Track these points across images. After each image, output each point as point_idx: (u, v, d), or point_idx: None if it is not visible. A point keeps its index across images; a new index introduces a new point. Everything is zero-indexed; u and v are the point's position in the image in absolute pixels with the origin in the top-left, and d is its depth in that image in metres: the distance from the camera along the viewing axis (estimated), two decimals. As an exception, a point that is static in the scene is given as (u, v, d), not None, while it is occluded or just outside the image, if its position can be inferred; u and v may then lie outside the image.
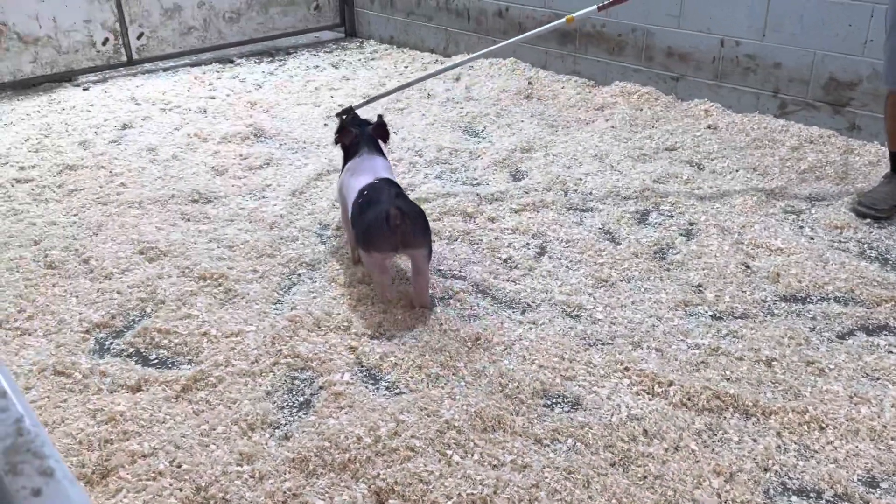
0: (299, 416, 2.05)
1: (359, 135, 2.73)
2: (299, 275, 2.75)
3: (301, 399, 2.12)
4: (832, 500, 1.73)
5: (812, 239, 2.90)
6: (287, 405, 2.10)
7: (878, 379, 2.12)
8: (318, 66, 5.56)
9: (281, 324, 2.41)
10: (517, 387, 2.11)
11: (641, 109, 4.31)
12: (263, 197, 3.40)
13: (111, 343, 2.39)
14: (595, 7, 2.82)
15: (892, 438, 1.89)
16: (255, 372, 2.20)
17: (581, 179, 3.50)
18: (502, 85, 4.82)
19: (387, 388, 2.14)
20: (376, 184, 2.46)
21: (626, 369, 2.18)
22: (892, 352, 2.24)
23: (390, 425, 1.94)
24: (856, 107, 3.64)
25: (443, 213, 3.18)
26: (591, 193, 3.37)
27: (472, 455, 1.87)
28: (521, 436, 1.94)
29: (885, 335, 2.32)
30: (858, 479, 1.79)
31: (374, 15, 6.15)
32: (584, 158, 3.72)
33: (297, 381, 2.18)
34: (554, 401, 2.07)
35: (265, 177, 3.61)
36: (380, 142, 2.78)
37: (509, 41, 3.21)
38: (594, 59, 4.70)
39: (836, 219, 3.02)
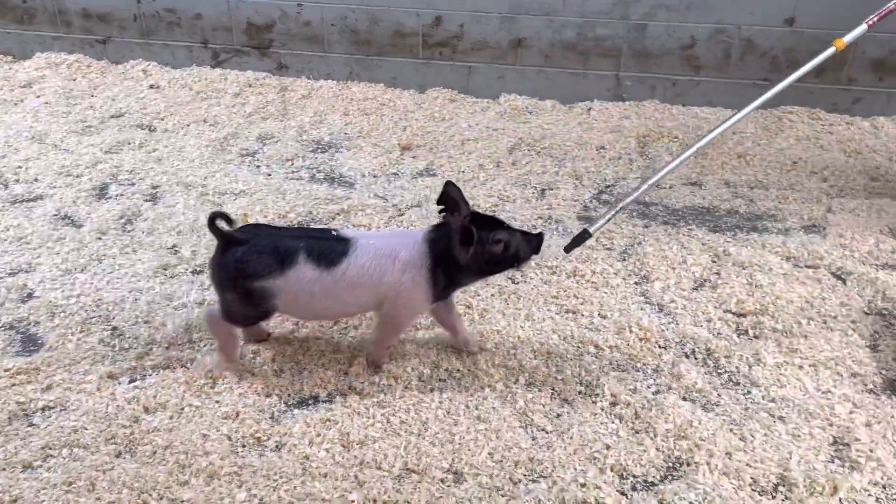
0: None
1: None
2: None
3: None
4: (325, 400, 1.93)
5: (269, 175, 3.09)
6: None
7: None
8: None
9: None
10: (-12, 419, 1.80)
11: (75, 79, 3.97)
12: None
13: None
14: (864, 25, 2.31)
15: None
16: None
17: (21, 167, 3.09)
18: None
19: None
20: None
21: (105, 357, 2.05)
22: (350, 255, 2.56)
23: None
24: (277, 47, 3.94)
25: None
26: (36, 180, 3.00)
27: (-57, 518, 1.55)
28: (4, 469, 1.67)
29: (343, 243, 2.64)
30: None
31: None
32: (21, 143, 3.29)
33: None
34: (36, 415, 1.84)
35: None
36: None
37: (784, 83, 2.31)
38: (4, 31, 4.11)
39: (285, 152, 3.27)
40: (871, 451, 1.74)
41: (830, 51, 2.30)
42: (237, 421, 1.83)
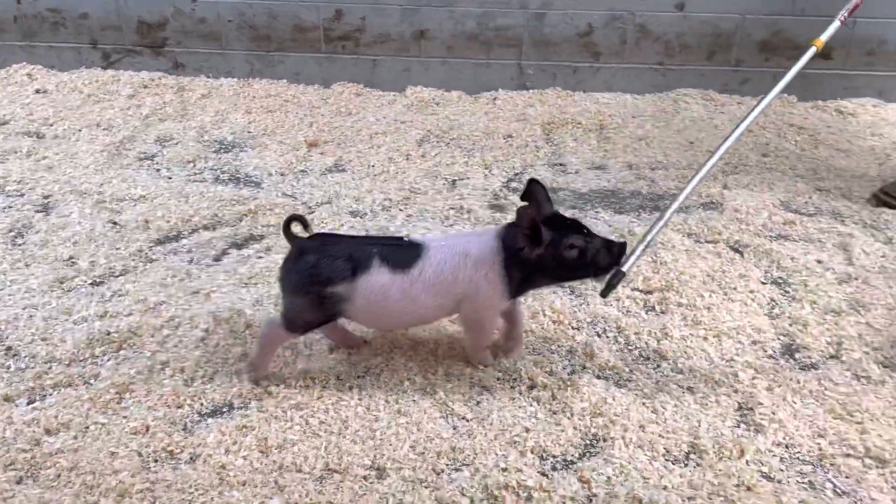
0: None
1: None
2: None
3: None
4: (240, 406, 1.88)
5: (170, 178, 2.98)
6: None
7: (256, 284, 2.33)
8: None
9: None
10: None
11: (-49, 86, 3.71)
12: None
13: None
14: (837, 21, 2.37)
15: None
16: None
17: None
18: None
19: None
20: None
21: None
22: (261, 257, 2.49)
23: None
24: (172, 45, 3.79)
25: None
26: (-88, 196, 2.79)
27: None
28: None
29: (252, 244, 2.56)
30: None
31: None
32: None
33: None
34: (-75, 449, 1.71)
35: None
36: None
37: (776, 91, 2.39)
38: None
39: (186, 154, 3.15)
40: (774, 413, 1.83)
41: (812, 51, 2.35)
42: (147, 435, 1.75)
